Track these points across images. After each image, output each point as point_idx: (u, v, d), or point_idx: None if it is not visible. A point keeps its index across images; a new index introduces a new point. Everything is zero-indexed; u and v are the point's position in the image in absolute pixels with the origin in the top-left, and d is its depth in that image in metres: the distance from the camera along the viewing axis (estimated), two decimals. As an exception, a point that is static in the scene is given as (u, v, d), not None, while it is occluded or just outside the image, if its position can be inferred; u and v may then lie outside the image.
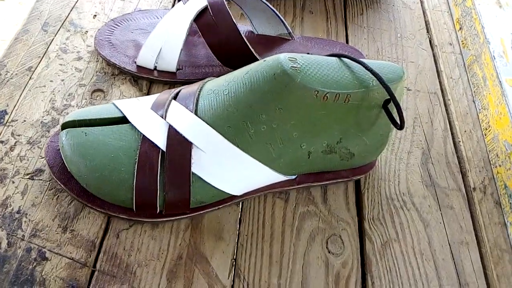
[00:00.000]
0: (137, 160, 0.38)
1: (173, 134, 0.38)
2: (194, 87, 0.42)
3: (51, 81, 0.50)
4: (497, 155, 0.49)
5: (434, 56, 0.60)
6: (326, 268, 0.41)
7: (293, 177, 0.43)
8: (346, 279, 0.40)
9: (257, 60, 0.49)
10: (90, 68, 0.52)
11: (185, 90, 0.42)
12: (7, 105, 0.47)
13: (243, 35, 0.47)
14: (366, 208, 0.45)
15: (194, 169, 0.38)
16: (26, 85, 0.49)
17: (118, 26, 0.54)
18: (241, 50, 0.48)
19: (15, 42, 0.53)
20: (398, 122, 0.39)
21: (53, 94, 0.49)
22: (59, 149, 0.42)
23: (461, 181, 0.48)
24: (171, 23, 0.49)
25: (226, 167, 0.39)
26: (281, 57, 0.37)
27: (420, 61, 0.59)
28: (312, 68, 0.37)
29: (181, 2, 0.50)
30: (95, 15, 0.57)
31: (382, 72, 0.40)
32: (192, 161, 0.38)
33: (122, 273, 0.38)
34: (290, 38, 0.56)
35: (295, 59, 0.38)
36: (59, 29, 0.55)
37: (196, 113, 0.39)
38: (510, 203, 0.45)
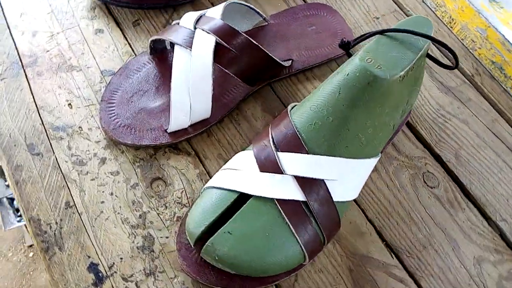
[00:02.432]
0: (289, 223, 0.39)
1: (304, 182, 0.39)
2: (282, 128, 0.41)
3: (102, 202, 0.44)
4: (472, 40, 0.58)
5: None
6: (438, 201, 0.49)
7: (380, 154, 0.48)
8: (455, 199, 0.49)
9: (279, 64, 0.49)
10: (125, 164, 0.46)
11: (278, 133, 0.41)
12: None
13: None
14: (426, 137, 0.52)
15: (335, 198, 0.41)
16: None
17: (113, 103, 0.47)
18: (266, 63, 0.47)
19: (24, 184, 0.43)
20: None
21: (116, 211, 0.43)
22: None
23: (461, 74, 0.58)
24: (188, 72, 0.45)
25: (354, 181, 0.42)
26: (361, 64, 0.39)
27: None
28: (384, 58, 0.41)
29: (177, 47, 0.45)
30: (69, 104, 0.48)
31: (419, 28, 0.44)
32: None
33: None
34: (266, 23, 0.55)
35: (369, 57, 0.40)
36: (50, 143, 0.46)
37: (309, 151, 0.40)
38: (503, 73, 0.57)
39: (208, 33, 0.45)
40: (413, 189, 0.49)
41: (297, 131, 0.41)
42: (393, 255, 0.45)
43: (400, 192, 0.49)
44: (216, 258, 0.38)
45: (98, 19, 0.54)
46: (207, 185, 0.42)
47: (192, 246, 0.40)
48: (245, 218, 0.39)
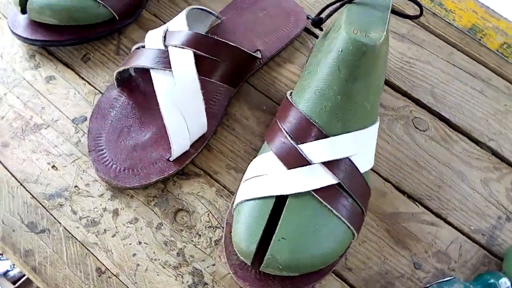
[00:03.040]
0: (331, 208, 0.39)
1: (332, 165, 0.40)
2: (291, 120, 0.41)
3: (134, 255, 0.40)
4: (407, -15, 0.62)
5: None
6: (434, 141, 0.52)
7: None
8: (446, 135, 0.52)
9: (254, 58, 0.48)
10: (139, 207, 0.43)
11: (290, 126, 0.41)
12: None
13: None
14: (401, 86, 0.55)
15: (361, 170, 0.42)
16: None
17: (102, 150, 0.43)
18: (245, 61, 0.46)
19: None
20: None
21: (151, 258, 0.40)
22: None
23: (408, 19, 0.61)
24: (174, 94, 0.42)
25: (370, 149, 0.43)
26: (351, 37, 0.39)
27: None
28: (365, 25, 0.41)
29: (154, 72, 0.42)
30: (53, 166, 0.43)
31: None
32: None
33: None
34: (220, 21, 0.53)
35: (354, 28, 0.40)
36: (51, 215, 0.41)
37: (327, 134, 0.40)
38: (443, 9, 0.61)
39: (183, 47, 0.43)
40: (410, 138, 0.52)
41: (310, 118, 0.40)
42: (417, 203, 0.48)
43: (400, 144, 0.51)
44: (280, 267, 0.37)
45: (43, 66, 0.49)
46: (238, 200, 0.40)
47: (250, 264, 0.39)
48: (291, 219, 0.39)
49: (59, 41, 0.48)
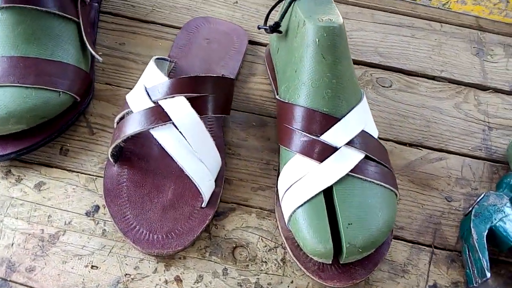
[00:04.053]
0: (372, 180, 0.42)
1: (354, 142, 0.42)
2: (299, 118, 0.43)
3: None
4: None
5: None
6: (401, 91, 0.57)
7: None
8: (407, 82, 0.58)
9: (229, 79, 0.49)
10: (197, 263, 0.42)
11: (302, 124, 0.43)
12: None
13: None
14: (355, 55, 0.60)
15: (375, 138, 0.45)
16: None
17: (133, 226, 0.42)
18: (228, 87, 0.47)
19: None
20: None
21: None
22: None
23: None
24: (184, 142, 0.42)
25: (371, 117, 0.47)
26: (320, 25, 0.42)
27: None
28: (321, 12, 0.45)
29: (154, 131, 0.41)
30: (93, 266, 0.40)
31: None
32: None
33: None
34: (174, 63, 0.53)
35: (317, 17, 0.43)
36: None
37: (337, 117, 0.43)
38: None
39: (173, 97, 0.42)
40: (383, 97, 0.56)
41: (318, 110, 0.43)
42: (419, 148, 0.53)
43: (379, 105, 0.56)
44: (360, 249, 0.39)
45: (25, 177, 0.45)
46: (290, 210, 0.41)
47: (331, 262, 0.40)
48: (346, 205, 0.40)
49: (34, 145, 0.45)
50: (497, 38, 0.65)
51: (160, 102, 0.42)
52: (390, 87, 0.58)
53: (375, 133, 0.46)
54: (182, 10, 0.62)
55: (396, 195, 0.44)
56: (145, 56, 0.56)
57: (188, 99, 0.43)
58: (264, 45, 0.60)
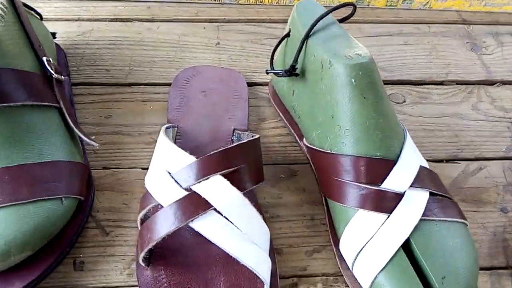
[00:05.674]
0: (445, 219, 0.38)
1: (416, 182, 0.38)
2: (347, 167, 0.38)
3: None
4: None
5: None
6: (418, 104, 0.54)
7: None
8: (427, 93, 0.55)
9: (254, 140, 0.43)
10: None
11: (353, 174, 0.38)
12: None
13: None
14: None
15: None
16: None
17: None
18: (255, 147, 0.41)
19: None
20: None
21: None
22: None
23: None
24: (231, 226, 0.35)
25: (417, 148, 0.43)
26: (350, 63, 0.38)
27: None
28: (344, 48, 0.40)
29: (195, 223, 0.35)
30: None
31: (312, 9, 0.46)
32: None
33: None
34: (178, 128, 0.47)
35: (344, 55, 0.39)
36: None
37: (393, 160, 0.38)
38: (326, -4, 0.63)
39: (207, 178, 0.36)
40: (403, 115, 0.53)
41: (371, 156, 0.38)
42: (456, 162, 0.50)
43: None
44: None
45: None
46: (370, 278, 0.36)
47: None
48: (430, 256, 0.36)
49: (45, 271, 0.36)
50: (483, 28, 0.64)
51: (194, 188, 0.36)
52: (404, 102, 0.55)
53: (424, 162, 0.42)
54: (163, 63, 0.55)
55: (466, 224, 0.40)
56: (138, 125, 0.49)
57: (224, 176, 0.37)
58: (263, 84, 0.54)
